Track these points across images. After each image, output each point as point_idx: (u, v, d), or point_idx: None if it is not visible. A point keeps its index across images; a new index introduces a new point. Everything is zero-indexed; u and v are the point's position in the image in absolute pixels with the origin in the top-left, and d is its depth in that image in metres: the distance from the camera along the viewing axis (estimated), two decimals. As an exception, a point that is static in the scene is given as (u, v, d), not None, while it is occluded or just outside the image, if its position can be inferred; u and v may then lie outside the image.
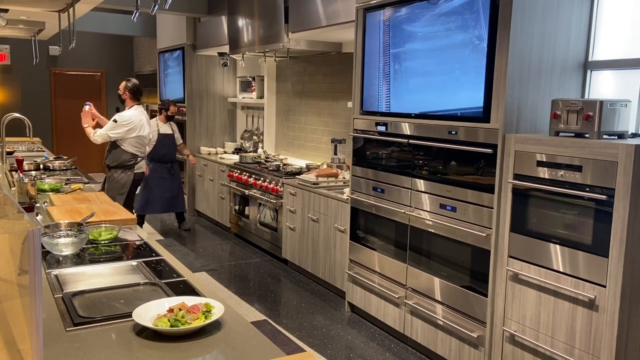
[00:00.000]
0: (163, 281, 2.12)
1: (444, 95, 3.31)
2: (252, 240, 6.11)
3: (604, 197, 2.46)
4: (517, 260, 2.90)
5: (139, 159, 5.17)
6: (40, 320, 1.20)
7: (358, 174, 4.10)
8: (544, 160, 2.74)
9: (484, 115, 3.04)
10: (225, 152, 7.44)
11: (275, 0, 5.25)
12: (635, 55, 3.05)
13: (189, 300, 1.80)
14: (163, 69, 8.40)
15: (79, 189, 3.95)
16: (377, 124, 3.87)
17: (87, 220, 2.82)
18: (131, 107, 5.12)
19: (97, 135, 5.01)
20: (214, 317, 1.71)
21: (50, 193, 3.79)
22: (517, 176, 2.88)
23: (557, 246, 2.69)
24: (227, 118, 7.86)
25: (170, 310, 1.72)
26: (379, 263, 3.91)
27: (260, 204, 5.77)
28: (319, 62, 6.02)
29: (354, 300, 4.24)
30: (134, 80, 5.22)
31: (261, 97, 7.05)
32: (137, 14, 3.70)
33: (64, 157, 5.39)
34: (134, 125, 5.01)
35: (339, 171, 5.08)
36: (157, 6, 3.33)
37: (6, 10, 4.62)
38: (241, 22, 5.96)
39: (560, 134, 2.78)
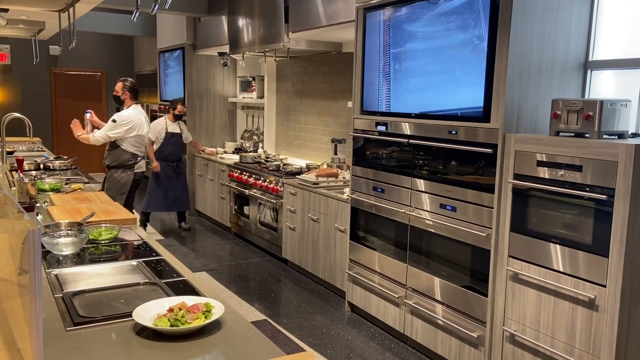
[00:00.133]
0: (163, 281, 2.12)
1: (444, 95, 3.31)
2: (252, 240, 6.12)
3: (604, 197, 2.46)
4: (517, 260, 2.90)
5: (139, 158, 5.17)
6: (40, 320, 1.20)
7: (358, 173, 4.10)
8: (544, 160, 2.74)
9: (484, 115, 3.04)
10: (225, 152, 7.44)
11: (276, 0, 5.25)
12: (635, 55, 3.05)
13: (189, 300, 1.80)
14: (163, 69, 8.40)
15: (79, 188, 3.95)
16: (377, 123, 3.87)
17: (87, 220, 2.82)
18: (129, 106, 5.12)
19: (97, 137, 5.01)
20: (214, 316, 1.71)
21: (51, 193, 3.79)
22: (517, 176, 2.88)
23: (557, 246, 2.69)
24: (227, 118, 7.86)
25: (170, 310, 1.72)
26: (379, 263, 3.91)
27: (260, 204, 5.77)
28: (319, 61, 6.01)
29: (354, 300, 4.24)
30: (131, 80, 5.23)
31: (261, 97, 7.05)
32: (137, 13, 3.70)
33: (64, 157, 5.39)
34: (133, 124, 5.01)
35: (339, 171, 5.08)
36: (157, 6, 3.33)
37: (6, 10, 4.62)
38: (241, 21, 5.96)
39: (561, 133, 2.78)
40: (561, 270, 2.68)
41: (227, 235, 6.62)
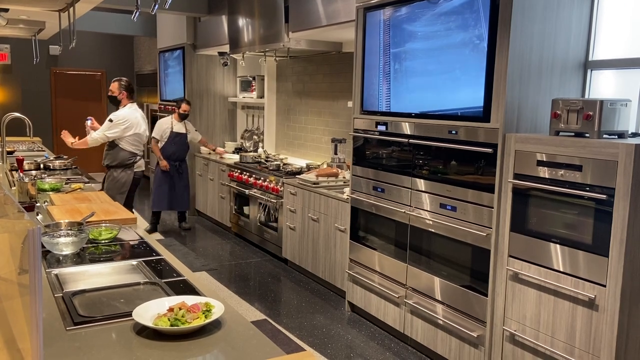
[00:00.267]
0: (163, 280, 2.12)
1: (444, 95, 3.31)
2: (252, 239, 6.12)
3: (604, 196, 2.46)
4: (517, 260, 2.90)
5: (138, 157, 5.17)
6: (40, 320, 1.20)
7: (358, 173, 4.10)
8: (544, 159, 2.74)
9: (484, 114, 3.04)
10: (225, 152, 7.44)
11: (276, 0, 5.25)
12: (636, 55, 3.05)
13: (189, 300, 1.80)
14: (163, 69, 8.40)
15: (79, 188, 3.96)
16: (378, 123, 3.87)
17: (87, 220, 2.82)
18: (126, 105, 5.11)
19: (95, 137, 5.01)
20: (214, 316, 1.71)
21: (51, 192, 3.79)
22: (517, 176, 2.88)
23: (557, 246, 2.69)
24: (227, 118, 7.85)
25: (171, 310, 1.72)
26: (379, 262, 3.91)
27: (260, 204, 5.77)
28: (319, 61, 6.01)
29: (354, 300, 4.24)
30: (126, 79, 5.23)
31: (261, 96, 7.05)
32: (137, 13, 3.70)
33: (64, 157, 5.39)
34: (130, 123, 5.01)
35: (339, 171, 5.08)
36: (157, 6, 3.33)
37: (6, 10, 4.62)
38: (241, 21, 5.96)
39: (561, 133, 2.78)
40: (561, 270, 2.68)
41: (227, 235, 6.62)
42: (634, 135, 2.86)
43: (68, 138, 5.18)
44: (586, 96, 3.25)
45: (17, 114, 5.10)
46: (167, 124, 6.52)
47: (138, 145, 5.14)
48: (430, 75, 3.39)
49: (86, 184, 4.22)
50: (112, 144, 5.06)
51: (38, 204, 3.44)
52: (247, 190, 5.96)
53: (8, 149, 5.87)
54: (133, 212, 4.79)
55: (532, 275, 2.81)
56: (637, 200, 2.40)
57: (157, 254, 2.47)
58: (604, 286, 2.49)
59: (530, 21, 2.94)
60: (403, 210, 3.63)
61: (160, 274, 2.21)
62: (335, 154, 5.33)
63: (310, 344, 3.78)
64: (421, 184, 3.50)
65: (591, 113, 2.63)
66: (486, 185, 3.05)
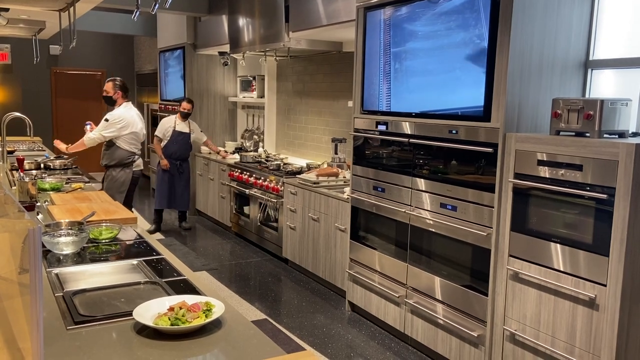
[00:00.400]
0: (163, 280, 2.12)
1: (444, 95, 3.31)
2: (252, 239, 6.12)
3: (605, 196, 2.46)
4: (518, 260, 2.90)
5: (136, 156, 5.17)
6: (40, 319, 1.20)
7: (358, 173, 4.10)
8: (545, 159, 2.74)
9: (485, 114, 3.04)
10: (228, 155, 7.44)
11: (276, 0, 5.25)
12: (636, 54, 3.04)
13: (190, 299, 1.80)
14: (164, 69, 8.40)
15: (80, 188, 3.96)
16: (378, 123, 3.87)
17: (87, 220, 2.82)
18: (121, 104, 5.11)
19: (92, 137, 5.01)
20: (214, 315, 1.71)
21: (51, 192, 3.79)
22: (517, 175, 2.88)
23: (558, 245, 2.69)
24: (227, 117, 7.85)
25: (171, 309, 1.72)
26: (380, 262, 3.91)
27: (260, 203, 5.77)
28: (319, 61, 6.01)
29: (354, 300, 4.24)
30: (120, 78, 5.23)
31: (262, 96, 7.05)
32: (138, 13, 3.70)
33: (65, 157, 5.39)
34: (126, 122, 5.01)
35: (340, 170, 5.08)
36: (157, 5, 3.33)
37: (7, 10, 4.62)
38: (242, 21, 5.96)
39: (561, 133, 2.78)
40: (561, 269, 2.68)
41: (227, 235, 6.62)
42: (635, 134, 2.86)
43: (61, 145, 5.18)
44: (587, 96, 3.25)
45: (18, 114, 5.10)
46: (170, 123, 6.55)
47: (136, 144, 5.14)
48: (431, 75, 3.39)
49: (86, 184, 4.22)
50: (110, 144, 5.06)
51: (38, 204, 3.44)
52: (247, 190, 5.96)
53: (8, 149, 5.87)
54: (132, 211, 4.79)
55: (533, 275, 2.81)
56: (637, 200, 2.40)
57: (158, 254, 2.47)
58: (605, 286, 2.49)
59: (531, 20, 2.93)
60: (403, 210, 3.63)
61: (161, 274, 2.21)
62: (336, 153, 5.33)
63: (311, 343, 3.78)
64: (421, 183, 3.49)
65: (592, 112, 2.63)
66: (486, 184, 3.05)
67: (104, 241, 2.64)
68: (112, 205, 3.33)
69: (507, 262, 2.96)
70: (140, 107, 10.81)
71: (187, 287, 2.06)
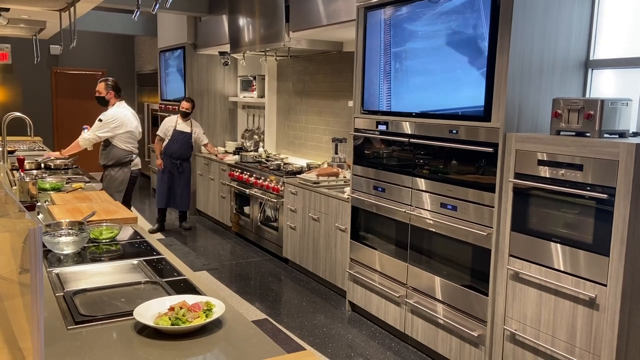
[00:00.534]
0: (164, 280, 2.12)
1: (444, 94, 3.31)
2: (252, 239, 6.12)
3: (605, 196, 2.46)
4: (518, 259, 2.90)
5: (134, 155, 5.17)
6: (41, 319, 1.20)
7: (359, 173, 4.10)
8: (545, 159, 2.74)
9: (485, 114, 3.04)
10: (226, 151, 7.44)
11: (276, 0, 5.25)
12: (636, 54, 3.04)
13: (190, 299, 1.80)
14: (164, 68, 8.40)
15: (80, 187, 3.96)
16: (378, 123, 3.87)
17: (88, 219, 2.82)
18: (114, 104, 5.11)
19: (86, 138, 5.00)
20: (214, 315, 1.72)
21: (52, 192, 3.79)
22: (518, 175, 2.88)
23: (558, 245, 2.69)
24: (227, 117, 7.86)
25: (171, 309, 1.72)
26: (380, 262, 3.91)
27: (261, 203, 5.77)
28: (319, 61, 6.01)
29: (354, 299, 4.24)
30: (112, 78, 5.23)
31: (262, 96, 7.05)
32: (138, 13, 3.70)
33: (65, 156, 5.39)
34: (120, 122, 5.01)
35: (340, 170, 5.08)
36: (158, 5, 3.33)
37: (7, 10, 4.62)
38: (242, 21, 5.96)
39: (561, 132, 2.78)
40: (562, 269, 2.68)
41: (227, 235, 6.62)
42: (635, 134, 2.86)
43: (53, 154, 5.14)
44: (587, 95, 3.24)
45: (18, 114, 5.10)
46: (171, 123, 6.57)
47: (132, 143, 5.14)
48: (431, 75, 3.39)
49: (87, 184, 4.22)
50: (107, 143, 5.07)
51: (39, 204, 3.44)
52: (247, 190, 5.96)
53: (9, 149, 5.87)
54: (132, 211, 4.79)
55: (533, 275, 2.81)
56: (637, 200, 2.40)
57: (158, 254, 2.47)
58: (605, 285, 2.49)
59: (531, 20, 2.93)
60: (404, 210, 3.63)
61: (161, 274, 2.21)
62: (336, 153, 5.33)
63: (311, 343, 3.78)
64: (422, 183, 3.49)
65: (592, 112, 2.63)
66: (487, 184, 3.05)
67: (104, 241, 2.64)
68: (113, 205, 3.33)
69: (508, 262, 2.96)
70: (140, 107, 10.81)
71: (187, 287, 2.06)
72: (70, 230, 2.57)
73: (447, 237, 3.32)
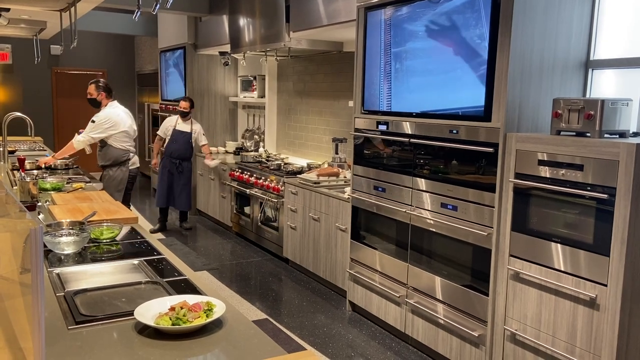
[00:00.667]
0: (164, 280, 2.13)
1: (445, 95, 3.31)
2: (253, 239, 6.12)
3: (605, 196, 2.46)
4: (518, 259, 2.90)
5: (131, 154, 5.17)
6: (42, 319, 1.20)
7: (359, 173, 4.10)
8: (545, 159, 2.74)
9: (485, 114, 3.04)
10: (226, 152, 7.44)
11: (276, 0, 5.25)
12: (637, 54, 3.04)
13: (191, 299, 1.80)
14: (164, 68, 8.40)
15: (81, 187, 3.96)
16: (378, 123, 3.87)
17: (88, 219, 2.83)
18: (106, 105, 5.11)
19: (79, 140, 5.00)
20: (215, 315, 1.72)
21: (52, 192, 3.79)
22: (518, 175, 2.88)
23: (559, 245, 2.69)
24: (228, 117, 7.86)
25: (172, 309, 1.72)
26: (380, 262, 3.91)
27: (261, 203, 5.77)
28: (320, 61, 6.02)
29: (355, 299, 4.24)
30: (102, 79, 5.24)
31: (262, 96, 7.05)
32: (139, 13, 3.70)
33: (66, 156, 5.39)
34: (113, 122, 5.01)
35: (340, 170, 5.08)
36: (158, 5, 3.33)
37: (7, 10, 4.62)
38: (242, 21, 5.97)
39: (562, 133, 2.78)
40: (562, 269, 2.68)
41: (228, 235, 6.62)
42: (635, 134, 2.86)
43: (45, 160, 5.06)
44: (587, 95, 3.25)
45: (19, 114, 5.11)
46: (171, 122, 6.59)
47: (128, 142, 5.15)
48: (431, 75, 3.39)
49: (87, 184, 4.23)
50: (103, 144, 5.08)
51: (39, 204, 3.44)
52: (248, 190, 5.97)
53: (9, 149, 5.87)
54: (131, 209, 4.80)
55: (533, 275, 2.81)
56: (638, 200, 2.40)
57: (159, 253, 2.48)
58: (605, 286, 2.49)
59: (531, 21, 2.93)
60: (404, 210, 3.63)
61: (162, 273, 2.21)
62: (336, 153, 5.34)
63: (311, 343, 3.78)
64: (422, 183, 3.50)
65: (592, 112, 2.63)
66: (487, 184, 3.05)
67: (105, 241, 2.64)
68: (113, 205, 3.33)
69: (508, 262, 2.96)
70: (141, 107, 10.82)
71: (188, 287, 2.06)
72: (71, 230, 2.57)
73: (448, 237, 3.32)
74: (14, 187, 3.86)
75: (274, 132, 7.00)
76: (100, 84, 5.12)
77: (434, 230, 3.42)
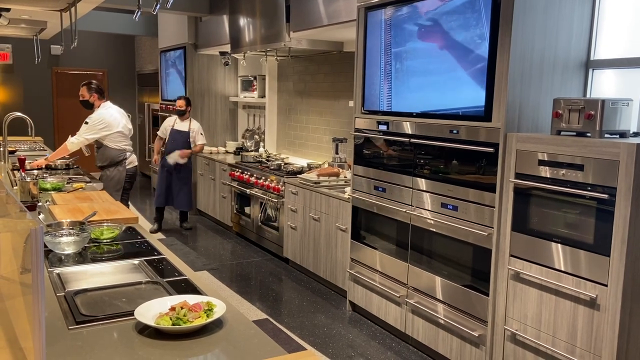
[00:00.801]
0: (165, 280, 2.13)
1: (445, 94, 3.31)
2: (253, 239, 6.12)
3: (606, 196, 2.46)
4: (519, 259, 2.90)
5: (128, 153, 5.17)
6: (42, 319, 1.20)
7: (359, 173, 4.10)
8: (546, 159, 2.74)
9: (486, 114, 3.04)
10: (226, 152, 7.44)
11: (277, 0, 5.25)
12: (637, 54, 3.04)
13: (191, 299, 1.80)
14: (164, 68, 8.40)
15: (81, 187, 3.96)
16: (379, 123, 3.87)
17: (89, 219, 2.83)
18: (99, 106, 5.11)
19: (73, 142, 4.99)
20: (215, 315, 1.72)
21: (52, 192, 3.79)
22: (518, 175, 2.88)
23: (559, 245, 2.69)
24: (228, 117, 7.86)
25: (172, 309, 1.72)
26: (380, 262, 3.91)
27: (261, 203, 5.77)
28: (320, 61, 6.02)
29: (355, 299, 4.24)
30: (94, 81, 5.24)
31: (262, 96, 7.06)
32: (139, 13, 3.70)
33: (66, 156, 5.40)
34: (107, 123, 5.01)
35: (340, 170, 5.08)
36: (158, 5, 3.33)
37: (8, 10, 4.63)
38: (242, 21, 5.97)
39: (562, 133, 2.78)
40: (562, 269, 2.68)
41: (228, 235, 6.62)
42: (636, 134, 2.86)
43: (37, 163, 4.99)
44: (588, 95, 3.24)
45: (19, 114, 5.11)
46: (170, 122, 6.62)
47: (124, 141, 5.15)
48: (432, 75, 3.39)
49: (88, 184, 4.23)
50: (99, 145, 5.09)
51: (40, 204, 3.44)
52: (248, 190, 5.97)
53: (10, 149, 5.87)
54: (129, 207, 4.79)
55: (534, 275, 2.81)
56: (638, 200, 2.40)
57: (159, 253, 2.48)
58: (606, 286, 2.49)
59: (532, 20, 2.93)
60: (404, 210, 3.63)
61: (162, 274, 2.21)
62: (337, 153, 5.34)
63: (312, 343, 3.78)
64: (422, 183, 3.50)
65: (593, 112, 2.63)
66: (487, 184, 3.05)
67: (105, 241, 2.64)
68: (114, 205, 3.33)
69: (508, 262, 2.96)
70: (141, 107, 10.82)
71: (188, 287, 2.06)
72: (71, 230, 2.57)
73: (448, 237, 3.32)
74: (15, 187, 3.86)
75: (274, 132, 7.00)
76: (92, 86, 5.12)
77: (434, 230, 3.42)
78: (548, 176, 2.73)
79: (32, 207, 3.25)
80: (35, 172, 4.59)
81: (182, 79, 7.70)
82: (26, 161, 4.83)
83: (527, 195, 2.85)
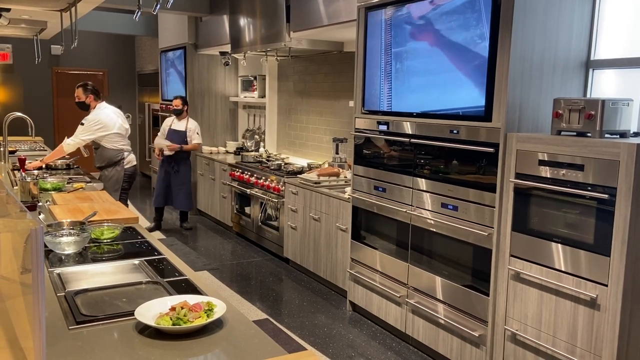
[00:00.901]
0: (165, 280, 2.13)
1: (445, 95, 3.31)
2: (253, 239, 6.12)
3: (606, 196, 2.46)
4: (519, 259, 2.90)
5: (125, 153, 5.17)
6: (43, 319, 1.20)
7: (359, 173, 4.10)
8: (546, 159, 2.74)
9: (486, 114, 3.04)
10: (227, 152, 7.44)
11: (277, 0, 5.25)
12: (637, 54, 3.04)
13: (191, 299, 1.80)
14: (165, 68, 8.40)
15: (81, 188, 3.96)
16: (379, 123, 3.87)
17: (89, 219, 2.83)
18: (95, 107, 5.11)
19: (70, 143, 4.98)
20: (215, 315, 1.72)
21: (53, 192, 3.79)
22: (518, 175, 2.88)
23: (559, 245, 2.69)
24: (228, 117, 7.86)
25: (173, 309, 1.72)
26: (381, 262, 3.92)
27: (261, 203, 5.77)
28: (320, 61, 6.02)
29: (355, 299, 4.24)
30: (90, 83, 5.24)
31: (263, 96, 7.06)
32: (139, 13, 3.71)
33: (66, 156, 5.40)
34: (103, 124, 5.02)
35: (341, 170, 5.08)
36: (159, 5, 3.33)
37: (8, 10, 4.63)
38: (243, 21, 5.97)
39: (562, 133, 2.78)
40: (563, 269, 2.68)
41: (228, 235, 6.62)
42: (636, 134, 2.86)
43: (33, 165, 4.95)
44: (588, 96, 3.24)
45: (19, 114, 5.11)
46: (168, 122, 6.63)
47: (121, 141, 5.15)
48: (432, 75, 3.39)
49: (88, 184, 4.23)
50: (97, 146, 5.10)
51: (40, 204, 3.44)
52: (248, 190, 5.97)
53: (10, 149, 5.87)
54: (128, 207, 4.79)
55: (534, 275, 2.81)
56: (638, 200, 2.40)
57: (159, 254, 2.48)
58: (606, 286, 2.49)
59: (532, 21, 2.93)
60: (404, 210, 3.63)
61: (162, 274, 2.21)
62: (337, 153, 5.34)
63: (312, 343, 3.78)
64: (423, 183, 3.50)
65: (593, 112, 2.63)
66: (488, 184, 3.05)
67: (105, 241, 2.64)
68: (114, 205, 3.33)
69: (509, 262, 2.96)
70: (141, 107, 10.82)
71: (188, 287, 2.06)
72: (71, 231, 2.57)
73: (448, 237, 3.32)
74: (15, 187, 3.86)
75: (275, 132, 7.00)
76: (87, 87, 5.13)
77: (434, 230, 3.42)
78: (548, 176, 2.73)
79: (32, 207, 3.26)
80: (36, 172, 4.59)
81: (182, 79, 7.70)
82: (26, 161, 4.83)
83: (527, 195, 2.85)
